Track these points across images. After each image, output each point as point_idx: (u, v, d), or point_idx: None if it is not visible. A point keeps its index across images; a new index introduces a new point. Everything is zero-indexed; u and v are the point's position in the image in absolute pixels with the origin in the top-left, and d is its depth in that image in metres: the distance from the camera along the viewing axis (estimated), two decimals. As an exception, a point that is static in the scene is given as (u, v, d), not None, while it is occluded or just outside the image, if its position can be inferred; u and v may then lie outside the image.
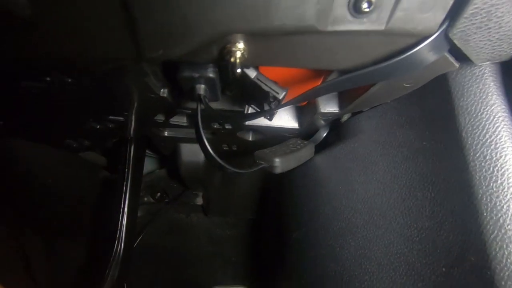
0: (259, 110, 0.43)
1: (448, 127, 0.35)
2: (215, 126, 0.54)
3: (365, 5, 0.24)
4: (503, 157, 0.30)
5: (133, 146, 0.66)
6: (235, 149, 0.65)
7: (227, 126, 0.54)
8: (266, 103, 0.40)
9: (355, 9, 0.25)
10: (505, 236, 0.28)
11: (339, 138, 0.53)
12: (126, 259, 0.64)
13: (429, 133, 0.37)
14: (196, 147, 0.71)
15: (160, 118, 0.53)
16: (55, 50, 0.28)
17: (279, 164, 0.45)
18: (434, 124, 0.37)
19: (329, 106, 0.47)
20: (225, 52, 0.28)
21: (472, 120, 0.32)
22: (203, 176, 0.81)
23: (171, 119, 0.54)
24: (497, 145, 0.30)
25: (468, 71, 0.34)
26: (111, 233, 0.64)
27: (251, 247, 1.00)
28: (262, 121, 0.52)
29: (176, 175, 0.84)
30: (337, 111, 0.47)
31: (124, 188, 0.66)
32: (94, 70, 0.33)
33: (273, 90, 0.36)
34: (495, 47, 0.27)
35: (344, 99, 0.46)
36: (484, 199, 0.30)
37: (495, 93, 0.32)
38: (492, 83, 0.32)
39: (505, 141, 0.30)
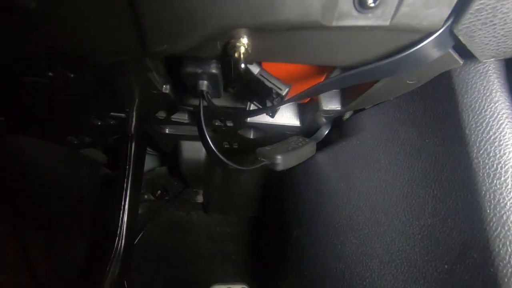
0: (261, 107, 0.43)
1: (451, 124, 0.34)
2: (216, 124, 0.54)
3: (370, 0, 0.24)
4: (507, 154, 0.30)
5: (134, 143, 0.66)
6: (236, 147, 0.65)
7: (229, 124, 0.54)
8: (269, 100, 0.40)
9: (361, 4, 0.24)
10: (509, 233, 0.28)
11: (341, 136, 0.53)
12: (126, 256, 0.64)
13: (431, 130, 0.37)
14: (197, 144, 0.72)
15: (161, 115, 0.53)
16: (59, 44, 0.27)
17: (281, 161, 0.45)
18: (436, 122, 0.37)
19: (331, 104, 0.47)
20: (229, 47, 0.28)
21: (476, 117, 0.32)
22: (204, 174, 0.81)
23: (173, 116, 0.54)
24: (501, 142, 0.30)
25: (472, 68, 0.34)
26: (112, 231, 0.64)
27: (251, 245, 1.00)
28: (263, 119, 0.52)
29: (176, 172, 0.84)
30: (339, 108, 0.47)
31: (125, 185, 0.66)
32: (97, 64, 0.32)
33: (276, 86, 0.36)
34: (500, 44, 0.27)
35: (346, 96, 0.46)
36: (488, 196, 0.30)
37: (499, 90, 0.32)
38: (496, 80, 0.32)
39: (509, 138, 0.30)
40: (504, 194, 0.29)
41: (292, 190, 0.66)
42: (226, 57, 0.29)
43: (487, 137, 0.31)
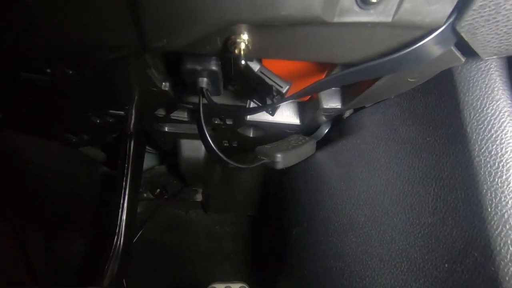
0: (261, 104, 0.43)
1: (452, 123, 0.34)
2: (216, 122, 0.54)
3: (372, -4, 0.24)
4: (508, 152, 0.30)
5: (133, 141, 0.66)
6: (236, 145, 0.65)
7: (228, 122, 0.54)
8: (269, 97, 0.39)
9: (363, 0, 0.24)
10: (510, 232, 0.28)
11: (341, 134, 0.53)
12: (125, 254, 0.64)
13: (432, 128, 0.37)
14: (196, 143, 0.72)
15: (160, 113, 0.53)
16: (58, 39, 0.27)
17: (281, 159, 0.45)
18: (437, 120, 0.37)
19: (331, 102, 0.46)
20: (229, 44, 0.27)
21: (477, 115, 0.32)
22: (203, 173, 0.81)
23: (172, 114, 0.54)
24: (503, 140, 0.30)
25: (474, 65, 0.33)
26: (111, 229, 0.64)
27: (251, 243, 1.00)
28: (263, 117, 0.52)
29: (176, 171, 0.84)
30: (340, 107, 0.46)
31: (124, 183, 0.66)
32: (96, 60, 0.32)
33: (277, 83, 0.36)
34: (502, 41, 0.27)
35: (347, 94, 0.46)
36: (489, 194, 0.30)
37: (501, 88, 0.32)
38: (498, 78, 0.32)
39: (510, 136, 0.30)
40: (506, 192, 0.29)
41: (292, 189, 0.66)
42: (226, 53, 0.28)
43: (489, 135, 0.31)
